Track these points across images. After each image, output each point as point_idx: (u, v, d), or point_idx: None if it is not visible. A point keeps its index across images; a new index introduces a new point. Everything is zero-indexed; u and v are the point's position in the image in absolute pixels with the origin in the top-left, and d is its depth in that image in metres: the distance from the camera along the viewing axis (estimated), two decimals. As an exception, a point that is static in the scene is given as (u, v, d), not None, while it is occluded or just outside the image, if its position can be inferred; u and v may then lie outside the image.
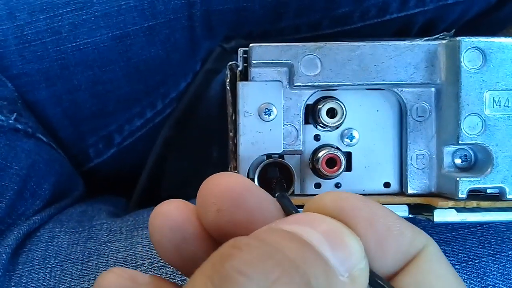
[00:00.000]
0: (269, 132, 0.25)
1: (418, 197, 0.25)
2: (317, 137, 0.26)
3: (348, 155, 0.26)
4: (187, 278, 0.27)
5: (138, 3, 0.37)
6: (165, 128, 0.41)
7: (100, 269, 0.29)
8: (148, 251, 0.29)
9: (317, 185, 0.26)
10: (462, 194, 0.23)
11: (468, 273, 0.26)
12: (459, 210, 0.24)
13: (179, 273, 0.28)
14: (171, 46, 0.39)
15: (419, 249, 0.17)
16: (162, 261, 0.28)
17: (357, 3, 0.39)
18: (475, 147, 0.25)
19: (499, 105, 0.24)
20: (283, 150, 0.25)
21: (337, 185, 0.26)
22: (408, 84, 0.25)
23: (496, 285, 0.26)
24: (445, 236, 0.27)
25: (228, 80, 0.26)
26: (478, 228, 0.28)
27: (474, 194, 0.24)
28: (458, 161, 0.25)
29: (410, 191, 0.25)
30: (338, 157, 0.25)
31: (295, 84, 0.25)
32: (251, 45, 0.25)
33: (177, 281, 0.27)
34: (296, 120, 0.25)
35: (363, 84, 0.25)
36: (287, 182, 0.26)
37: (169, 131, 0.41)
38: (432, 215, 0.24)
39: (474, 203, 0.24)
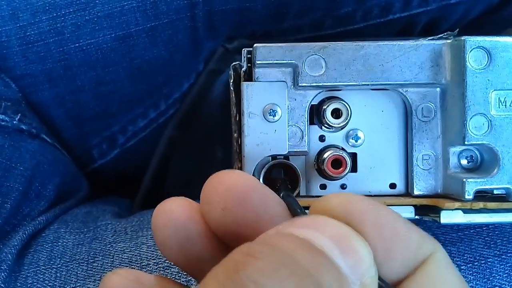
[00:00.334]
0: (274, 133, 0.25)
1: (424, 198, 0.25)
2: (322, 138, 0.26)
3: (354, 156, 0.26)
4: (192, 279, 0.27)
5: (141, 4, 0.37)
6: (169, 129, 0.41)
7: (106, 269, 0.29)
8: (153, 251, 0.29)
9: (323, 186, 0.26)
10: (469, 195, 0.23)
11: (474, 274, 0.26)
12: (465, 211, 0.24)
13: (185, 273, 0.28)
14: (173, 46, 0.39)
15: (427, 255, 0.16)
16: (168, 261, 0.28)
17: (359, 3, 0.39)
18: (481, 147, 0.24)
19: (505, 105, 0.24)
20: (288, 151, 0.25)
21: (343, 186, 0.26)
22: (413, 84, 0.25)
23: (502, 285, 0.26)
24: (451, 236, 0.27)
25: (231, 81, 0.26)
26: (484, 228, 0.28)
27: (481, 195, 0.24)
28: (464, 161, 0.25)
29: (416, 192, 0.25)
30: (344, 158, 0.25)
31: (299, 84, 0.25)
32: (255, 45, 0.25)
33: (182, 281, 0.27)
34: (301, 121, 0.25)
35: (368, 84, 0.25)
36: (292, 183, 0.26)
37: (172, 132, 0.41)
38: (439, 217, 0.23)
39: (480, 204, 0.23)
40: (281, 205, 0.18)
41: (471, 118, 0.24)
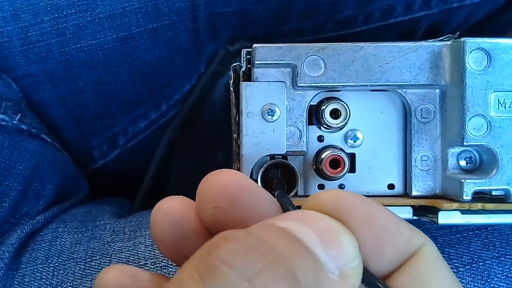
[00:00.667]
0: (272, 133, 0.25)
1: (422, 199, 0.25)
2: (320, 138, 0.26)
3: (352, 156, 0.26)
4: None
5: (142, 5, 0.37)
6: (170, 130, 0.41)
7: (102, 269, 0.29)
8: (151, 251, 0.29)
9: (321, 186, 0.26)
10: (467, 196, 0.23)
11: (472, 276, 0.26)
12: (463, 212, 0.23)
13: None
14: (175, 48, 0.39)
15: (416, 248, 0.17)
16: (165, 261, 0.28)
17: (361, 6, 0.39)
18: (480, 148, 0.24)
19: (504, 106, 0.24)
20: (287, 151, 0.25)
21: (341, 186, 0.26)
22: (412, 85, 0.25)
23: (500, 287, 0.26)
24: (449, 238, 0.27)
25: (231, 81, 0.26)
26: (483, 230, 0.27)
27: (479, 196, 0.24)
28: (463, 162, 0.25)
29: (414, 193, 0.25)
30: (342, 158, 0.25)
31: (298, 84, 0.25)
32: (254, 45, 0.25)
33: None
34: (299, 121, 0.25)
35: (367, 85, 0.25)
36: (290, 183, 0.26)
37: (173, 133, 0.41)
38: (437, 217, 0.23)
39: (479, 205, 0.23)
40: (275, 204, 0.19)
41: (470, 119, 0.24)
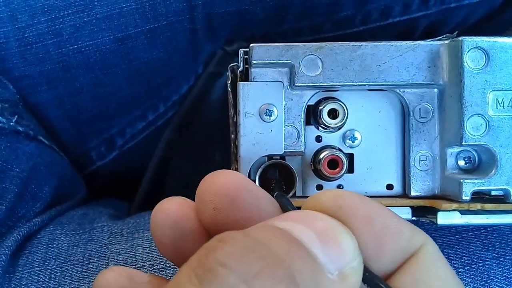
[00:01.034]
0: (270, 133, 0.25)
1: (421, 199, 0.25)
2: (318, 138, 0.26)
3: (350, 157, 0.26)
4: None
5: (140, 6, 0.37)
6: (168, 131, 0.41)
7: (101, 271, 0.28)
8: (148, 253, 0.29)
9: (319, 187, 0.26)
10: (466, 196, 0.23)
11: (472, 276, 0.26)
12: (463, 212, 0.23)
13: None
14: (172, 48, 0.39)
15: (417, 248, 0.17)
16: (163, 262, 0.28)
17: (359, 6, 0.39)
18: (478, 148, 0.24)
19: (503, 106, 0.24)
20: (284, 151, 0.25)
21: (339, 187, 0.26)
22: (410, 84, 0.25)
23: (500, 288, 0.26)
24: (449, 239, 0.27)
25: (229, 82, 0.26)
26: (482, 231, 0.27)
27: (478, 197, 0.24)
28: (461, 162, 0.25)
29: (413, 193, 0.25)
30: (340, 158, 0.25)
31: (296, 84, 0.25)
32: (251, 45, 0.25)
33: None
34: (297, 121, 0.25)
35: (364, 85, 0.25)
36: (288, 184, 0.25)
37: (171, 134, 0.41)
38: (436, 218, 0.23)
39: (478, 205, 0.23)
40: (274, 205, 0.18)
41: (468, 118, 0.23)
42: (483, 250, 0.27)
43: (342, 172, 0.25)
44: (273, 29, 0.40)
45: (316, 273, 0.15)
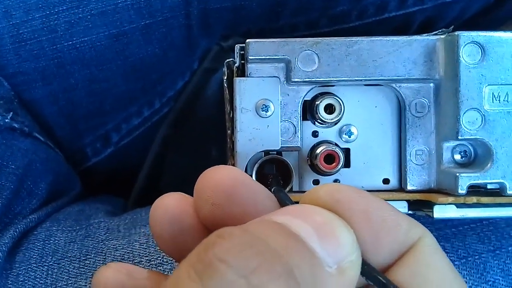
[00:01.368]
0: (267, 129, 0.25)
1: (417, 193, 0.25)
2: (315, 134, 0.26)
3: (347, 152, 0.26)
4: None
5: (135, 1, 0.37)
6: (163, 127, 0.41)
7: (98, 267, 0.28)
8: (145, 248, 0.29)
9: (316, 182, 0.26)
10: (462, 190, 0.23)
11: (468, 269, 0.26)
12: (459, 206, 0.23)
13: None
14: (168, 44, 0.38)
15: (415, 241, 0.17)
16: (160, 258, 0.28)
17: (355, 1, 0.39)
18: (474, 142, 0.24)
19: (499, 100, 0.24)
20: (281, 147, 0.25)
21: (336, 182, 0.26)
22: (406, 79, 0.25)
23: (496, 281, 0.26)
24: (445, 232, 0.27)
25: (225, 77, 0.26)
26: (478, 224, 0.27)
27: (474, 190, 0.24)
28: (457, 156, 0.25)
29: (409, 187, 0.25)
30: (337, 153, 0.25)
31: (292, 80, 0.25)
32: (247, 40, 0.25)
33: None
34: (293, 116, 0.25)
35: (361, 80, 0.25)
36: (285, 179, 0.25)
37: (167, 130, 0.41)
38: (432, 211, 0.23)
39: (474, 199, 0.23)
40: (272, 200, 0.18)
41: (464, 113, 0.24)
42: (479, 243, 0.27)
43: (339, 167, 0.25)
44: (269, 24, 0.40)
45: (315, 267, 0.15)
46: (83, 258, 0.29)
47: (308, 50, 0.25)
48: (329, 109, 0.25)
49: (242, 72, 0.26)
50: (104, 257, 0.29)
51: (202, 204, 0.18)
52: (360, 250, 0.16)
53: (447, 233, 0.27)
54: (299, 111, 0.25)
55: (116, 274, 0.18)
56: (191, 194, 0.19)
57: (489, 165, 0.23)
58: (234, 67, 0.26)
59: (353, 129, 0.26)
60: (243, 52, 0.25)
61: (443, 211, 0.23)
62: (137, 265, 0.28)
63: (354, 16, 0.40)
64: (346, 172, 0.26)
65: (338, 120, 0.26)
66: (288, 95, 0.25)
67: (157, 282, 0.19)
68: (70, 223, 0.32)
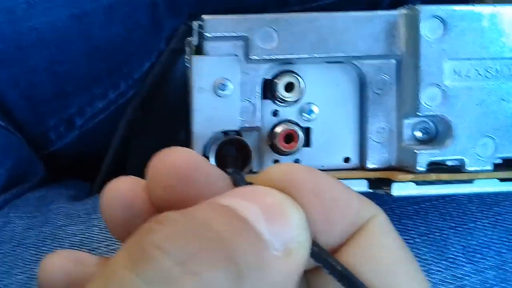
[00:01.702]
0: (225, 108, 0.24)
1: (378, 171, 0.24)
2: (275, 113, 0.25)
3: (307, 131, 0.25)
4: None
5: (96, -20, 0.36)
6: (130, 110, 0.40)
7: (46, 255, 0.28)
8: (105, 234, 0.28)
9: (276, 162, 0.26)
10: (421, 167, 0.23)
11: (429, 246, 0.26)
12: (418, 183, 0.23)
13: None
14: (132, 24, 0.37)
15: (367, 220, 0.16)
16: (119, 243, 0.28)
17: (326, -21, 0.38)
18: (435, 119, 0.24)
19: (460, 75, 0.23)
20: (240, 127, 0.24)
21: (296, 161, 0.26)
22: (367, 56, 0.24)
23: (457, 257, 0.26)
24: (407, 209, 0.27)
25: (187, 57, 0.25)
26: (440, 201, 0.27)
27: (437, 167, 0.24)
28: (418, 134, 0.25)
29: (369, 165, 0.25)
30: (296, 132, 0.24)
31: (251, 58, 0.24)
32: (203, 17, 0.24)
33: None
34: (253, 96, 0.24)
35: (321, 57, 0.24)
36: (245, 160, 0.25)
37: (133, 113, 0.40)
38: (390, 189, 0.23)
39: (433, 176, 0.23)
40: (228, 183, 0.18)
41: (424, 89, 0.23)
42: (441, 219, 0.27)
43: (299, 146, 0.24)
44: (237, 3, 0.39)
45: (260, 251, 0.14)
46: (40, 244, 0.28)
47: (267, 27, 0.24)
48: (289, 87, 0.25)
49: (200, 50, 0.25)
50: (62, 243, 0.28)
51: (154, 188, 0.17)
52: (309, 231, 0.16)
53: (409, 210, 0.27)
54: (258, 90, 0.24)
55: (63, 262, 0.18)
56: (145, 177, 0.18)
57: (449, 141, 0.23)
58: (192, 45, 0.25)
59: (314, 108, 0.25)
60: (201, 30, 0.24)
61: (402, 188, 0.23)
62: (96, 251, 0.27)
63: (325, -7, 0.39)
64: (307, 152, 0.25)
65: (299, 99, 0.25)
66: (248, 73, 0.24)
67: None
68: (29, 209, 0.31)
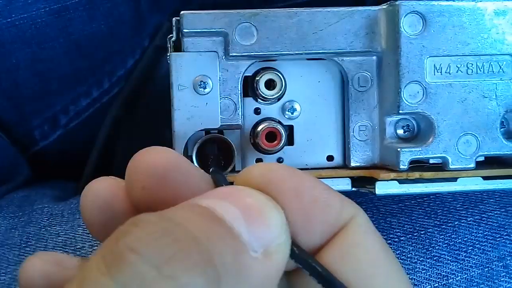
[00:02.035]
0: (205, 106, 0.24)
1: (361, 169, 0.24)
2: (257, 111, 0.25)
3: (290, 129, 0.25)
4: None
5: (77, -25, 0.35)
6: (114, 108, 0.39)
7: (26, 258, 0.27)
8: (89, 234, 0.28)
9: (259, 161, 0.25)
10: (404, 165, 0.23)
11: (413, 244, 0.26)
12: (401, 181, 0.23)
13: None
14: (114, 20, 0.37)
15: (347, 220, 0.16)
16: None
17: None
18: (417, 116, 0.24)
19: (440, 72, 0.23)
20: (221, 125, 0.24)
21: (279, 160, 0.25)
22: (348, 52, 0.24)
23: (442, 255, 0.26)
24: (392, 208, 0.27)
25: (168, 54, 0.25)
26: (425, 199, 0.27)
27: (420, 165, 0.24)
28: (400, 131, 0.24)
29: (352, 163, 0.24)
30: (278, 130, 0.24)
31: (230, 54, 0.24)
32: (182, 12, 0.24)
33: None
34: (233, 93, 0.24)
35: (302, 53, 0.24)
36: (227, 159, 0.25)
37: (117, 111, 0.39)
38: (374, 188, 0.23)
39: (416, 174, 0.23)
40: (208, 183, 0.18)
41: (405, 86, 0.23)
42: (426, 217, 0.26)
43: (281, 144, 0.24)
44: (222, -1, 0.38)
45: (238, 254, 0.14)
46: (24, 245, 0.28)
47: (246, 22, 0.24)
48: (271, 84, 0.24)
49: (180, 47, 0.24)
50: (46, 243, 0.28)
51: (132, 188, 0.17)
52: (289, 232, 0.15)
53: (394, 209, 0.27)
54: (239, 87, 0.24)
55: (44, 264, 0.17)
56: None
57: (431, 139, 0.23)
58: (171, 42, 0.25)
59: (296, 106, 0.25)
60: (180, 25, 0.24)
61: (385, 187, 0.23)
62: (79, 251, 0.27)
63: (310, -11, 0.39)
64: (290, 150, 0.25)
65: (280, 96, 0.25)
66: (227, 70, 0.24)
67: None
68: (13, 209, 0.31)
